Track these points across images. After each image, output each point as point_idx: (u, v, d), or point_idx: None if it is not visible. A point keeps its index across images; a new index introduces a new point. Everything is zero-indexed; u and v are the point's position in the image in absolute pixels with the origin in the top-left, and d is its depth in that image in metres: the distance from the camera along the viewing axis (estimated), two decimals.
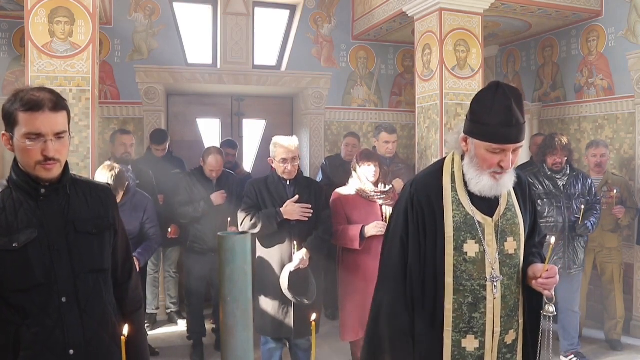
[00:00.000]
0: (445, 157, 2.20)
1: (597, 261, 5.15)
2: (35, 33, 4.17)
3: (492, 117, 1.93)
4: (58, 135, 1.83)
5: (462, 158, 2.12)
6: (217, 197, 4.68)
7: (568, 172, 4.71)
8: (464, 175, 2.08)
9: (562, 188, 4.64)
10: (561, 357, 4.74)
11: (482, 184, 2.02)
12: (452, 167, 2.12)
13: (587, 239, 4.87)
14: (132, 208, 3.97)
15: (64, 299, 1.84)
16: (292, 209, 3.70)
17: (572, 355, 4.68)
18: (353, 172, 4.00)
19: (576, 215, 4.58)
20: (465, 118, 2.11)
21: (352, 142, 5.92)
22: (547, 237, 2.11)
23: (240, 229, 3.73)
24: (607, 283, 5.13)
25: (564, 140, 4.64)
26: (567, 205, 4.60)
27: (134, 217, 3.97)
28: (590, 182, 4.76)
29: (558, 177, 4.67)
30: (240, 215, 3.83)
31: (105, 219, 1.99)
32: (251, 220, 3.72)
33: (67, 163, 1.94)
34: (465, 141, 2.07)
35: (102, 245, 1.96)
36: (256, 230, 3.72)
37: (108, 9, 5.91)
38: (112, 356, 1.91)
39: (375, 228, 3.70)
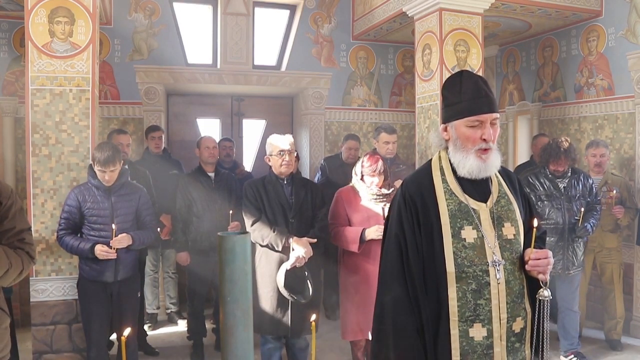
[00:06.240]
0: (432, 158, 2.25)
1: (597, 261, 5.15)
2: (35, 33, 4.17)
3: (463, 95, 2.06)
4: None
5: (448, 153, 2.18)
6: (182, 258, 4.83)
7: (569, 173, 4.69)
8: (452, 166, 2.12)
9: (562, 190, 4.63)
10: (561, 356, 4.75)
11: (469, 164, 2.06)
12: (440, 163, 2.17)
13: (587, 240, 4.88)
14: (129, 191, 3.95)
15: None
16: (303, 243, 3.73)
17: (572, 355, 4.68)
18: (354, 175, 3.99)
19: (576, 217, 4.57)
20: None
21: (354, 145, 5.90)
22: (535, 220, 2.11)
23: (249, 231, 3.76)
24: (607, 283, 5.13)
25: (570, 148, 4.60)
26: (567, 207, 4.59)
27: (130, 199, 3.94)
28: (591, 182, 4.75)
29: (559, 179, 4.66)
30: (248, 220, 3.87)
31: None
32: (260, 232, 3.77)
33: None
34: (446, 130, 2.15)
35: None
36: (262, 243, 3.78)
37: (108, 9, 5.91)
38: None
39: (375, 232, 3.67)
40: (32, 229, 3.97)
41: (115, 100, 6.23)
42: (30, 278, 4.18)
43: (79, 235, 3.81)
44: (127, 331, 1.56)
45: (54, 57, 4.21)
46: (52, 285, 4.22)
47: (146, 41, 6.31)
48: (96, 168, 3.73)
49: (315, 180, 6.00)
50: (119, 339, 4.16)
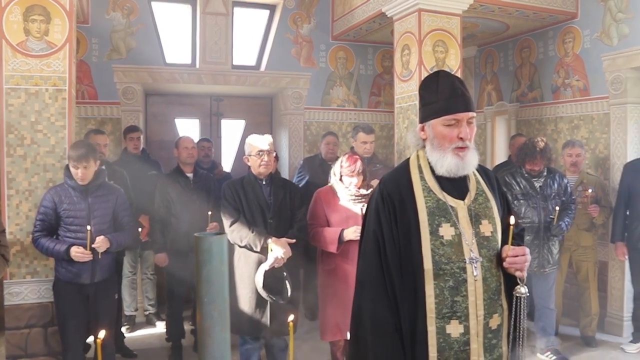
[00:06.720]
0: (410, 157, 2.27)
1: (572, 259, 5.22)
2: (9, 31, 4.10)
3: (440, 95, 2.09)
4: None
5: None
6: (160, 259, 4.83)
7: (545, 173, 4.76)
8: (430, 165, 2.14)
9: (538, 189, 4.70)
10: (538, 354, 4.81)
11: (447, 162, 2.08)
12: (418, 161, 2.19)
13: (562, 238, 4.95)
14: (106, 192, 3.90)
15: None
16: (281, 244, 3.71)
17: (549, 352, 4.75)
18: (332, 176, 3.99)
19: (551, 216, 4.64)
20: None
21: (332, 140, 5.93)
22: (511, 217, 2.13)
23: (227, 232, 3.74)
24: (582, 281, 5.20)
25: (545, 148, 4.66)
26: (542, 206, 4.66)
27: (107, 200, 3.89)
28: (566, 181, 4.83)
29: (535, 178, 4.73)
30: (226, 221, 3.84)
31: None
32: (239, 233, 3.74)
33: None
34: (423, 129, 2.17)
35: None
36: (240, 244, 3.76)
37: (85, 7, 5.83)
38: None
39: (354, 233, 3.68)
40: (7, 230, 3.91)
41: (93, 100, 6.16)
42: (5, 281, 4.11)
43: (55, 237, 3.76)
44: (102, 333, 1.54)
45: (29, 56, 4.15)
46: (27, 288, 4.15)
47: (124, 40, 6.25)
48: (70, 165, 3.69)
49: (294, 181, 5.98)
50: (95, 341, 4.11)
